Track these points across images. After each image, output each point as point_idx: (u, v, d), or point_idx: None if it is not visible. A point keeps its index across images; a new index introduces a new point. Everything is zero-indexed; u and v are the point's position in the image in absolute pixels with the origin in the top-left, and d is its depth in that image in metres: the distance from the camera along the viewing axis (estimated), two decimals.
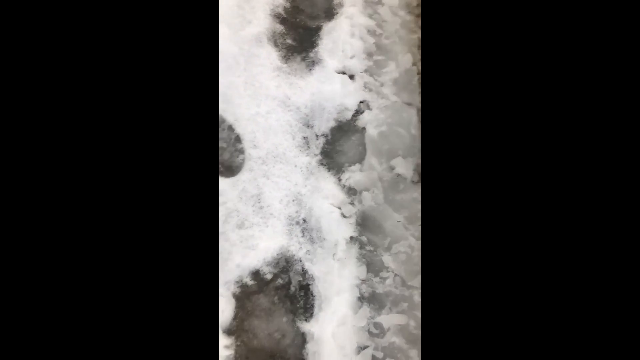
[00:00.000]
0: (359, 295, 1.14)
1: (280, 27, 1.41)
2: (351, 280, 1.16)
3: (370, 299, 1.13)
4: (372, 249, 1.19)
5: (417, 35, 1.47)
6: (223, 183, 1.18)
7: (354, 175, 1.24)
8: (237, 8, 1.35)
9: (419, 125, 1.30)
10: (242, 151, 1.23)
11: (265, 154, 1.23)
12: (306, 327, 1.12)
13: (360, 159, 1.28)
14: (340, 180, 1.26)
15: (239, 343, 1.09)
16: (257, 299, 1.13)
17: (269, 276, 1.15)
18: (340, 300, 1.13)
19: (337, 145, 1.32)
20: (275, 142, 1.24)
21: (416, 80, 1.38)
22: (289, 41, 1.40)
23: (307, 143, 1.28)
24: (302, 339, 1.12)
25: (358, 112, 1.34)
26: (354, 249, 1.19)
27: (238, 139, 1.24)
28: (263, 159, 1.22)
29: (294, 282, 1.16)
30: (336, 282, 1.15)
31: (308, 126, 1.30)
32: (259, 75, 1.30)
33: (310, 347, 1.11)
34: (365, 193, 1.23)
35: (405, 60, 1.41)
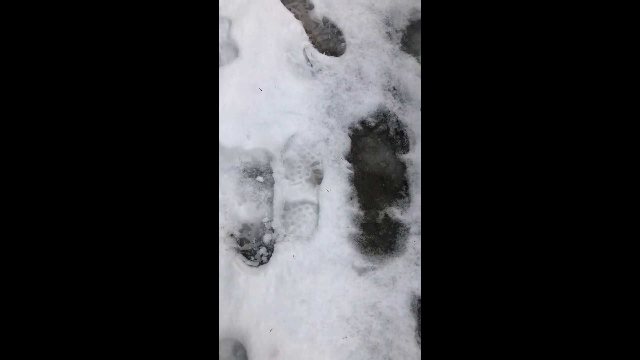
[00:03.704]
0: None
1: None
2: None
3: None
4: None
5: None
6: (331, 60, 1.48)
7: None
8: None
9: None
10: (342, 40, 1.53)
11: (361, 42, 1.52)
12: (405, 157, 1.39)
13: None
14: (418, 59, 1.53)
15: (356, 168, 1.36)
16: (365, 140, 1.41)
17: (372, 124, 1.42)
18: None
19: (412, 37, 1.59)
20: (366, 34, 1.54)
21: None
22: None
23: (390, 36, 1.57)
24: (402, 166, 1.39)
25: None
26: None
27: (340, 32, 1.54)
28: (359, 44, 1.51)
29: (392, 129, 1.43)
30: None
31: (389, 24, 1.59)
32: None
33: (410, 170, 1.37)
34: None
35: None
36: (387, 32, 1.59)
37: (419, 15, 1.64)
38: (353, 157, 1.40)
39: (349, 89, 1.47)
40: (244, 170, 1.30)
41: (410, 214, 1.34)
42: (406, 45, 1.59)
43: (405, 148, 1.43)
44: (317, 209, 1.28)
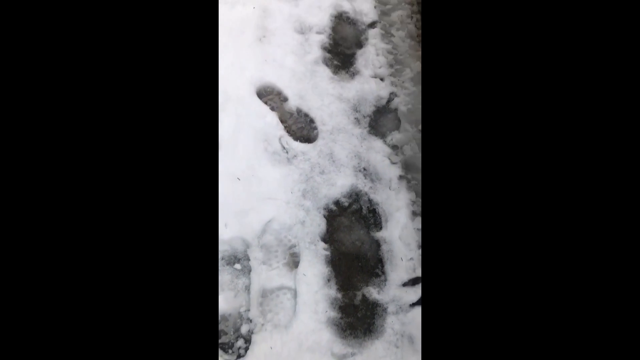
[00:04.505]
0: (412, 210, 1.45)
1: (328, 55, 1.91)
2: (405, 201, 1.48)
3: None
4: (416, 182, 1.52)
5: (419, 52, 1.94)
6: (305, 147, 1.57)
7: (395, 136, 1.63)
8: (300, 45, 1.87)
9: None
10: (315, 127, 1.65)
11: (332, 128, 1.64)
12: (378, 235, 1.42)
13: (397, 127, 1.68)
14: (385, 141, 1.64)
15: (332, 248, 1.38)
16: (340, 219, 1.45)
17: (346, 204, 1.47)
18: (400, 214, 1.44)
19: (379, 121, 1.72)
20: (337, 121, 1.66)
21: None
22: (335, 62, 1.89)
23: (358, 121, 1.69)
24: (377, 244, 1.41)
25: (390, 100, 1.77)
26: (404, 183, 1.52)
27: (312, 121, 1.66)
28: (330, 131, 1.63)
29: (364, 208, 1.48)
30: (394, 203, 1.47)
31: (357, 111, 1.72)
32: (320, 82, 1.77)
33: (384, 247, 1.39)
34: (405, 146, 1.59)
35: (415, 66, 1.87)
36: (355, 118, 1.73)
37: (384, 102, 1.79)
38: (329, 237, 1.44)
39: (322, 172, 1.56)
40: (222, 259, 1.32)
41: (386, 293, 1.34)
42: (373, 129, 1.72)
43: (378, 226, 1.48)
44: (295, 294, 1.28)
